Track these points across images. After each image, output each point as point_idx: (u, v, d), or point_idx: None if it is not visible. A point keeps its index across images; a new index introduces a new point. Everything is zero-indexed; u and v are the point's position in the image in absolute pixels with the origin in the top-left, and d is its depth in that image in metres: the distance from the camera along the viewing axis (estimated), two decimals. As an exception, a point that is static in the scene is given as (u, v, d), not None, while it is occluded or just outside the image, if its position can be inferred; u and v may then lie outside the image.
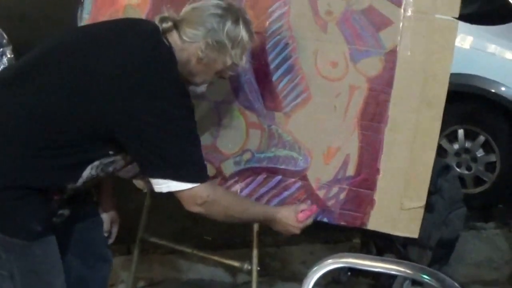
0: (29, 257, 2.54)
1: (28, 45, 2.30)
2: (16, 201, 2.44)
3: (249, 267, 3.52)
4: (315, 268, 1.97)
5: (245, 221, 3.01)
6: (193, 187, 2.54)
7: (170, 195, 2.56)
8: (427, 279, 1.80)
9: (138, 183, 3.55)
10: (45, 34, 2.80)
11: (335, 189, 3.15)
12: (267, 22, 3.23)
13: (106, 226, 3.10)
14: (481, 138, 5.15)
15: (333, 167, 3.16)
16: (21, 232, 2.48)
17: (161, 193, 2.56)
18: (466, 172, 5.26)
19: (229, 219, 2.80)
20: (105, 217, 3.11)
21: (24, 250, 2.52)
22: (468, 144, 5.21)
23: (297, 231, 2.98)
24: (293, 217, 2.96)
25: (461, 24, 4.72)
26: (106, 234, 3.11)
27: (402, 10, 3.06)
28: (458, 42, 4.80)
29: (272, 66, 3.22)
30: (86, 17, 3.62)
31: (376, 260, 1.96)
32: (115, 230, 3.19)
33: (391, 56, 3.07)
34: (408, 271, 1.85)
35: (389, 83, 3.08)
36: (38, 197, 2.48)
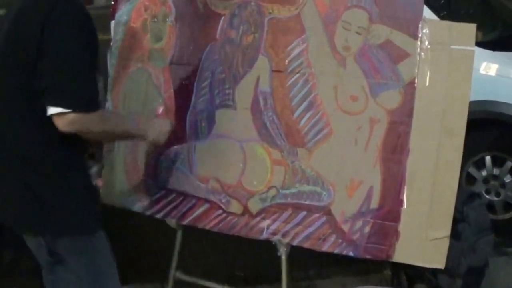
0: (93, 253, 2.61)
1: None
2: (68, 195, 2.53)
3: (279, 302, 3.54)
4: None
5: (120, 134, 2.89)
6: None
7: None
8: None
9: (171, 222, 3.60)
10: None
11: (359, 223, 3.17)
12: (287, 60, 3.30)
13: None
14: (509, 164, 5.11)
15: (357, 200, 3.18)
16: (86, 225, 2.56)
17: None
18: (495, 198, 5.22)
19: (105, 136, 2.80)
20: None
21: (88, 247, 2.59)
22: (496, 171, 5.18)
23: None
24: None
25: (485, 51, 4.81)
26: None
27: (418, 42, 3.09)
28: (482, 69, 4.86)
29: (293, 103, 3.28)
30: (113, 63, 3.70)
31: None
32: None
33: (409, 88, 3.11)
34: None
35: (409, 115, 3.11)
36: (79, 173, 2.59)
